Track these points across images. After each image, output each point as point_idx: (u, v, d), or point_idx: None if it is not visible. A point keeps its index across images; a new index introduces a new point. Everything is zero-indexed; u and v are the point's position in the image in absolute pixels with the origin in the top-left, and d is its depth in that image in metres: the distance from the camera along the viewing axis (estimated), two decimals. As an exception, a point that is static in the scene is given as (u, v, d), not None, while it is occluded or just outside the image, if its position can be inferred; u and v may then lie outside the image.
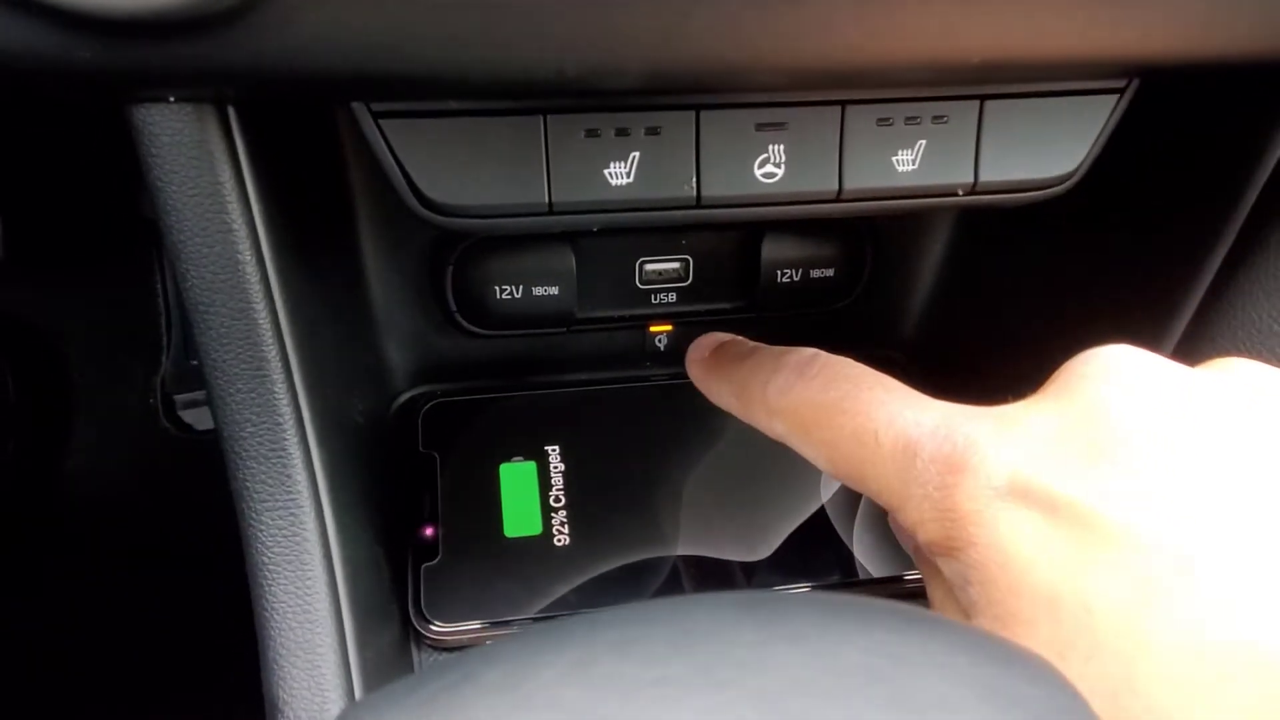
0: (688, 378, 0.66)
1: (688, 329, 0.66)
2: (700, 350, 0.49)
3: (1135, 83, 0.43)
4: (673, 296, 0.64)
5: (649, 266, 0.63)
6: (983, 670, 0.19)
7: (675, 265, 0.63)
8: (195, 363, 1.34)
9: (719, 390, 0.46)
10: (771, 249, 0.62)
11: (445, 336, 0.63)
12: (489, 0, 0.28)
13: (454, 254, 0.59)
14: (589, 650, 0.18)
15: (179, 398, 1.31)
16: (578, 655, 0.18)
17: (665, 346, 0.67)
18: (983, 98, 0.42)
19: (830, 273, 0.64)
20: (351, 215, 0.55)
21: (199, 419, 1.33)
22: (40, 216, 1.23)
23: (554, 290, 0.60)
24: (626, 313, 0.64)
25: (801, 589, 0.56)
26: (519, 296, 0.60)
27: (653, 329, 0.66)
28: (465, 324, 0.62)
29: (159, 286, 1.33)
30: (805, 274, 0.63)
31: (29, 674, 1.11)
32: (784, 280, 0.63)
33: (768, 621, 0.20)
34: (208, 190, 0.38)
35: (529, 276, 0.59)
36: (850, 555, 0.58)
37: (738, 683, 0.19)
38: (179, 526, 1.26)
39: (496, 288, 0.60)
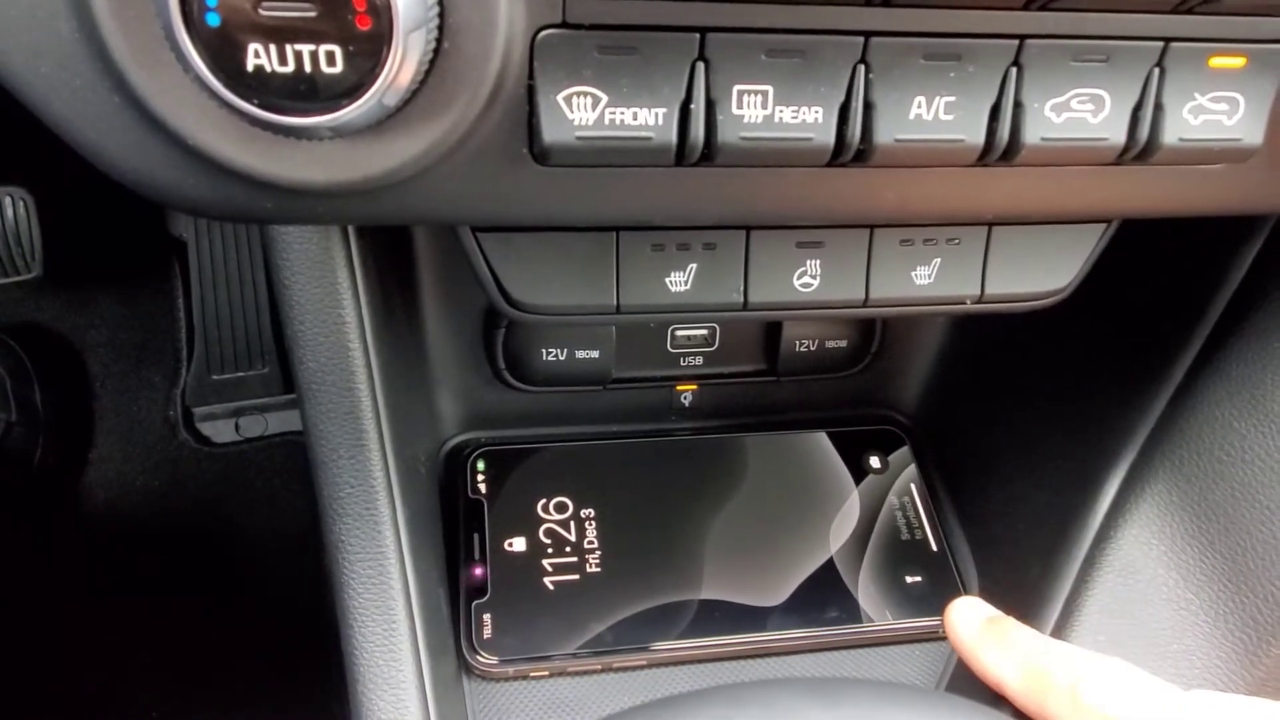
0: (710, 432, 0.73)
1: (712, 389, 0.72)
2: (966, 618, 0.49)
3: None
4: (699, 360, 0.71)
5: (680, 333, 0.69)
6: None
7: (703, 332, 0.70)
8: (216, 378, 1.39)
9: (997, 660, 0.46)
10: (792, 323, 0.68)
11: (492, 390, 0.69)
12: (593, 179, 0.35)
13: (505, 320, 0.65)
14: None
15: (197, 410, 1.37)
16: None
17: (690, 404, 0.73)
18: (991, 224, 0.49)
19: (844, 343, 0.71)
20: (417, 291, 0.61)
21: (216, 432, 1.38)
22: (76, 235, 1.28)
23: (595, 354, 0.66)
24: (657, 373, 0.71)
25: (815, 636, 0.62)
26: (563, 359, 0.66)
27: (679, 388, 0.72)
28: (512, 380, 0.68)
29: (180, 302, 1.38)
30: (821, 344, 0.70)
31: (50, 678, 1.15)
32: (802, 349, 0.70)
33: (832, 704, 0.26)
34: (327, 289, 0.44)
35: (574, 342, 0.66)
36: (856, 603, 0.64)
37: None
38: (197, 534, 1.31)
39: (543, 350, 0.66)
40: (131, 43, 0.28)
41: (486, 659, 0.59)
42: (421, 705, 0.48)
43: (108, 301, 1.36)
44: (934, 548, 0.67)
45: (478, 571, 0.62)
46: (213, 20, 0.26)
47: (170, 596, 1.24)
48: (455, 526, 0.64)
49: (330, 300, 0.44)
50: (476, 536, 0.64)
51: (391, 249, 0.56)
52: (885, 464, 0.72)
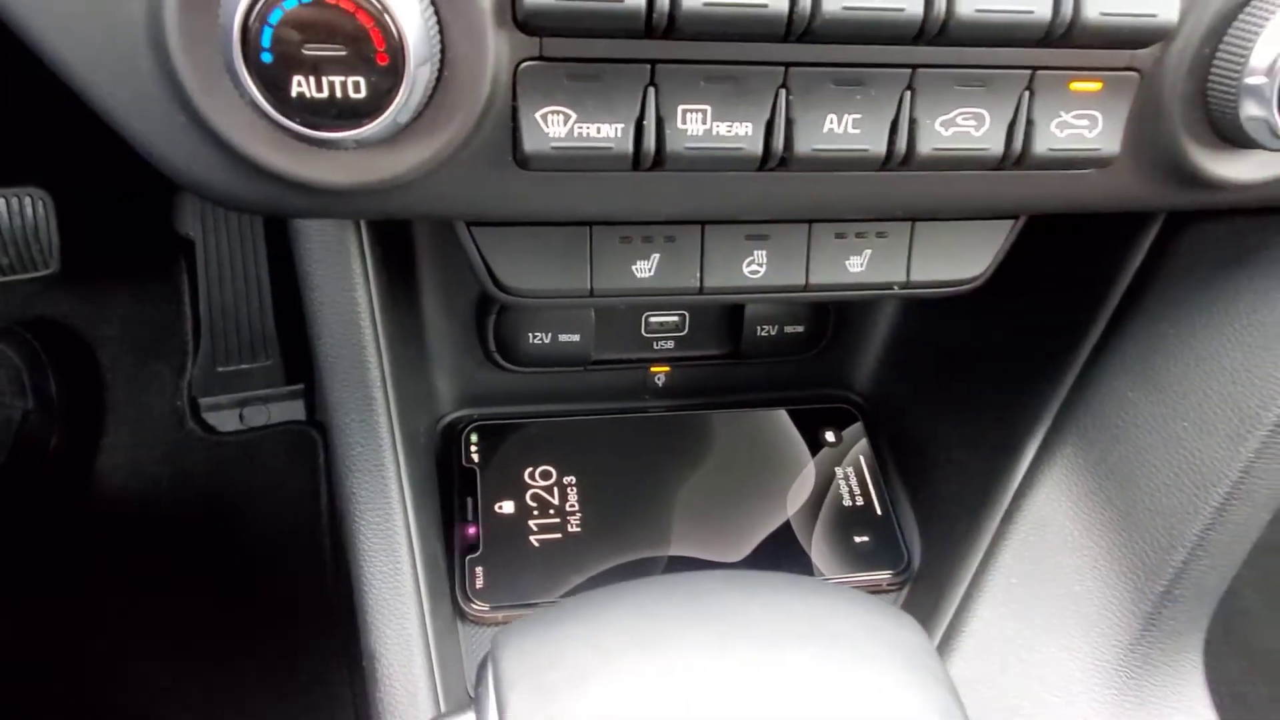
0: (681, 410, 0.80)
1: (683, 371, 0.80)
2: None
3: (1027, 212, 0.58)
4: (671, 344, 0.79)
5: (653, 319, 0.77)
6: (870, 619, 0.33)
7: (674, 319, 0.78)
8: (221, 370, 1.46)
9: None
10: (753, 309, 0.76)
11: (484, 371, 0.77)
12: (566, 181, 0.42)
13: (496, 306, 0.73)
14: (645, 600, 0.32)
15: (203, 401, 1.43)
16: (636, 603, 0.32)
17: (663, 384, 0.81)
18: (914, 219, 0.56)
19: (801, 329, 0.79)
20: (418, 284, 0.69)
21: (221, 421, 1.45)
22: (91, 234, 1.34)
23: (576, 337, 0.74)
24: (633, 356, 0.78)
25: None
26: (547, 342, 0.74)
27: (653, 369, 0.80)
28: (501, 362, 0.75)
29: (187, 298, 1.45)
30: (781, 329, 0.78)
31: (61, 659, 1.21)
32: (763, 334, 0.78)
33: (747, 589, 0.34)
34: (342, 273, 0.51)
35: (557, 326, 0.73)
36: (809, 560, 0.72)
37: (731, 632, 0.33)
38: (203, 518, 1.38)
39: (529, 334, 0.74)
40: (199, 75, 0.36)
41: (479, 606, 0.66)
42: (423, 638, 0.55)
43: (119, 297, 1.43)
44: (879, 511, 0.75)
45: (471, 530, 0.70)
46: (267, 58, 0.34)
47: (177, 575, 1.30)
48: (451, 492, 0.72)
49: (345, 284, 0.51)
50: (470, 500, 0.72)
51: (397, 245, 0.63)
52: (839, 438, 0.80)
